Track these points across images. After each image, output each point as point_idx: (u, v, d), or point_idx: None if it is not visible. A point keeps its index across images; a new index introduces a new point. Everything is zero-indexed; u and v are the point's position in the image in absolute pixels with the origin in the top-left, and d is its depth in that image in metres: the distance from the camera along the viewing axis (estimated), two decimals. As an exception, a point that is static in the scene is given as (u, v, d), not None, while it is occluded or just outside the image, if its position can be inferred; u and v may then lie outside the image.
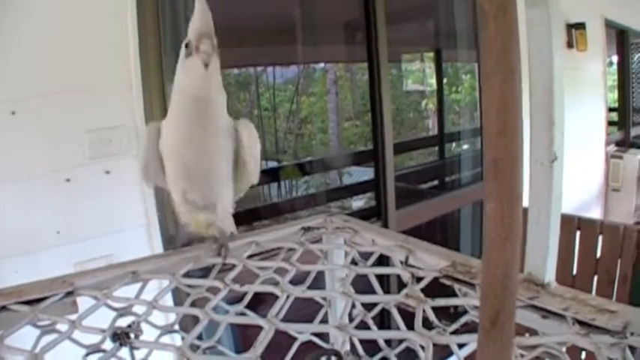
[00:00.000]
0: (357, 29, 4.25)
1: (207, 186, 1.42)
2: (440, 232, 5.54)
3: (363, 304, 1.21)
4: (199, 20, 1.28)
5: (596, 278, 3.55)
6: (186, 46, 1.29)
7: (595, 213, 7.29)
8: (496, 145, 0.57)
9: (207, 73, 1.27)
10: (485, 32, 0.57)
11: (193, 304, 1.19)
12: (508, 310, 0.61)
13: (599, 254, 3.56)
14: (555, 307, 0.97)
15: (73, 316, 1.07)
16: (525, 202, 0.92)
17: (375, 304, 1.21)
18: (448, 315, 1.07)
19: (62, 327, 1.04)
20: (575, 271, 3.58)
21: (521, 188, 0.59)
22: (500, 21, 0.56)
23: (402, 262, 1.24)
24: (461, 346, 0.94)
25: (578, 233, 3.62)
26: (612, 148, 8.13)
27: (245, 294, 1.19)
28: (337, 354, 1.00)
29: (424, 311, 1.00)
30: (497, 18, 0.56)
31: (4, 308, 1.09)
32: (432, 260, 1.23)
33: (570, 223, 3.62)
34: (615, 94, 9.43)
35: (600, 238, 3.56)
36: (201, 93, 1.30)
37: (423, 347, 0.90)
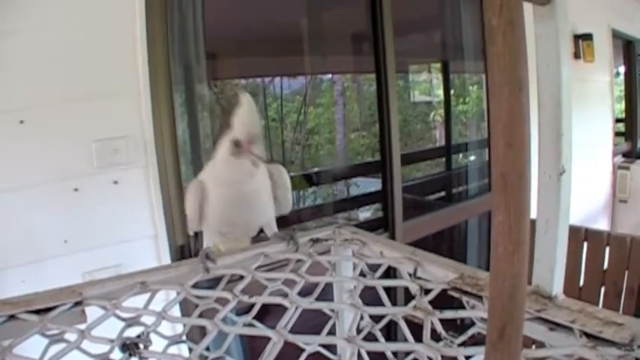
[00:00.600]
0: (365, 40, 4.26)
1: (249, 228, 1.62)
2: (447, 244, 5.53)
3: (371, 316, 1.21)
4: (249, 121, 1.41)
5: (603, 290, 3.54)
6: (235, 144, 1.40)
7: (602, 224, 7.26)
8: (504, 158, 0.57)
9: (253, 170, 1.42)
10: (493, 47, 0.58)
11: (201, 315, 1.19)
12: (516, 322, 0.62)
13: (606, 266, 3.55)
14: (563, 319, 0.97)
15: (82, 326, 1.07)
16: (533, 214, 0.93)
17: (382, 316, 1.21)
18: (455, 327, 1.07)
19: (71, 336, 1.05)
20: (582, 283, 3.57)
21: (529, 201, 0.59)
22: (508, 37, 0.57)
23: (410, 275, 1.25)
24: (468, 358, 0.94)
25: (585, 245, 3.61)
26: (619, 159, 8.11)
27: (253, 305, 1.20)
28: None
29: (432, 323, 1.00)
30: (505, 34, 0.57)
31: (12, 317, 1.10)
32: (439, 272, 1.23)
33: (577, 235, 3.61)
34: (622, 105, 9.41)
35: (607, 249, 3.55)
36: (248, 187, 1.48)
37: (430, 359, 0.90)
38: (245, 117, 1.40)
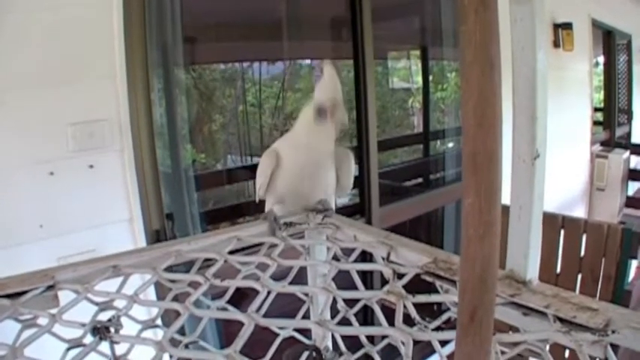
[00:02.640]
0: (344, 26, 4.25)
1: (309, 201, 1.64)
2: (424, 230, 5.55)
3: (347, 302, 1.21)
4: (332, 87, 1.46)
5: (580, 277, 3.57)
6: (319, 110, 1.47)
7: (579, 212, 7.33)
8: (474, 137, 0.57)
9: (316, 132, 1.50)
10: (464, 26, 0.57)
11: (176, 299, 1.18)
12: (487, 305, 0.61)
13: (583, 253, 3.57)
14: (536, 304, 0.97)
15: (54, 310, 1.06)
16: (507, 200, 0.92)
17: (356, 301, 1.21)
18: (432, 313, 1.06)
19: (43, 321, 1.03)
20: (559, 270, 3.60)
21: (500, 182, 0.58)
22: (481, 15, 0.56)
23: (383, 259, 1.24)
24: (444, 343, 0.94)
25: (562, 232, 3.64)
26: (597, 147, 8.18)
27: (228, 289, 1.19)
28: (316, 349, 1.00)
29: (406, 308, 1.00)
30: (477, 12, 0.56)
31: (-16, 302, 1.08)
32: (413, 257, 1.22)
33: (554, 222, 3.64)
34: (601, 95, 9.48)
35: (584, 236, 3.58)
36: (326, 149, 1.56)
37: (404, 343, 0.89)
38: (328, 84, 1.45)
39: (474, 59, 0.57)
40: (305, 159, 1.57)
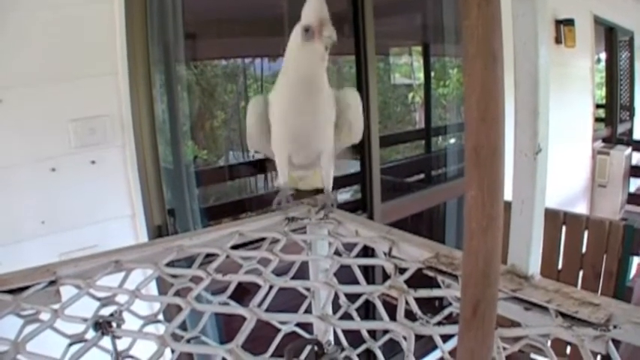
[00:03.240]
0: (346, 22, 4.24)
1: (311, 149, 1.60)
2: (426, 225, 5.55)
3: (349, 297, 1.21)
4: (319, 5, 1.38)
5: (581, 273, 3.57)
6: (306, 30, 1.39)
7: (581, 208, 7.33)
8: (477, 131, 0.57)
9: (325, 55, 1.42)
10: (467, 20, 0.57)
11: (177, 294, 1.18)
12: (489, 299, 0.61)
13: (584, 249, 3.57)
14: (538, 299, 0.97)
15: (56, 305, 1.06)
16: (509, 195, 0.92)
17: (358, 295, 1.21)
18: (434, 308, 1.06)
19: (45, 316, 1.03)
20: (560, 266, 3.60)
21: (503, 176, 0.58)
22: (483, 9, 0.56)
23: (385, 254, 1.24)
24: (445, 338, 0.94)
25: (564, 228, 3.64)
26: (599, 144, 8.18)
27: (229, 284, 1.20)
28: (318, 343, 0.99)
29: (408, 303, 1.00)
30: (479, 6, 0.56)
31: (-14, 297, 1.08)
32: (415, 252, 1.22)
33: (556, 218, 3.64)
34: (603, 91, 9.48)
35: (586, 233, 3.58)
36: (315, 72, 1.45)
37: (405, 338, 0.89)
38: (314, 3, 1.38)
39: (476, 53, 0.57)
40: (296, 87, 1.48)
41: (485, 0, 0.56)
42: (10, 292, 1.10)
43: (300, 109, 1.50)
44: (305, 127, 1.54)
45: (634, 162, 8.56)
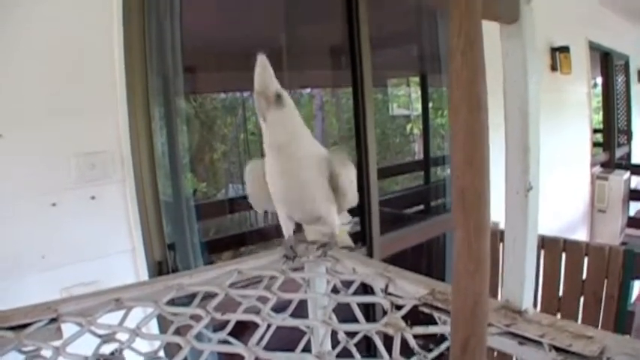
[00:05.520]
0: (343, 54, 4.27)
1: (304, 208, 1.60)
2: (426, 257, 5.53)
3: (347, 332, 1.22)
4: (255, 78, 1.42)
5: (582, 299, 3.57)
6: (259, 101, 1.43)
7: (581, 234, 7.32)
8: (463, 174, 0.58)
9: (269, 125, 1.45)
10: (452, 65, 0.59)
11: (177, 332, 1.19)
12: (479, 335, 0.62)
13: (585, 275, 3.58)
14: (532, 333, 0.98)
15: (58, 343, 1.07)
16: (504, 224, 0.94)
17: (358, 332, 1.22)
18: (435, 341, 1.07)
19: (47, 353, 1.05)
20: (561, 293, 3.60)
21: (489, 218, 0.60)
22: (468, 55, 0.58)
23: (382, 290, 1.25)
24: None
25: (564, 255, 3.64)
26: (598, 169, 8.19)
27: (229, 321, 1.21)
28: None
29: (406, 339, 1.01)
30: (464, 53, 0.58)
31: (-12, 333, 1.09)
32: (411, 288, 1.23)
33: (556, 246, 3.65)
34: (600, 116, 9.50)
35: (586, 259, 3.58)
36: (283, 138, 1.47)
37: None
38: (257, 74, 1.41)
39: (461, 98, 0.58)
40: (269, 152, 1.51)
41: (469, 47, 0.58)
42: (12, 328, 1.11)
43: (279, 173, 1.54)
44: (291, 190, 1.56)
45: (633, 185, 8.57)
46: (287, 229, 1.65)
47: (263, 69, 1.40)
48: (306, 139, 1.54)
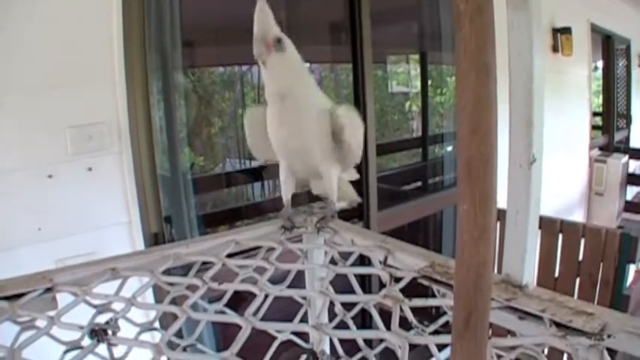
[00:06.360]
0: (343, 30, 4.24)
1: (305, 161, 1.55)
2: (423, 233, 5.54)
3: (345, 305, 1.21)
4: (255, 22, 1.35)
5: (578, 281, 3.57)
6: (257, 47, 1.36)
7: (578, 216, 7.34)
8: (469, 144, 0.57)
9: (269, 70, 1.39)
10: (460, 33, 0.57)
11: (174, 302, 1.18)
12: (481, 310, 0.61)
13: (581, 257, 3.58)
14: (532, 308, 0.97)
15: (52, 312, 1.06)
16: (504, 204, 0.93)
17: (354, 304, 1.21)
18: (431, 317, 1.07)
19: (41, 323, 1.03)
20: (557, 274, 3.60)
21: (495, 189, 0.59)
22: (476, 21, 0.56)
23: (380, 262, 1.24)
24: (441, 347, 0.94)
25: (560, 236, 3.64)
26: (596, 152, 8.20)
27: (225, 292, 1.20)
28: (313, 353, 1.00)
29: (403, 311, 1.00)
30: (472, 19, 0.56)
31: (-18, 304, 1.08)
32: (410, 261, 1.22)
33: (553, 227, 3.64)
34: (600, 99, 9.51)
35: (583, 241, 3.58)
36: (275, 86, 1.43)
37: (400, 347, 0.90)
38: (257, 19, 1.35)
39: (469, 66, 0.57)
40: (270, 101, 1.46)
41: (477, 12, 0.56)
42: (7, 298, 1.10)
43: (279, 121, 1.48)
44: (291, 141, 1.50)
45: (631, 170, 8.58)
46: (286, 191, 1.60)
47: (262, 13, 1.34)
48: (309, 88, 1.50)
